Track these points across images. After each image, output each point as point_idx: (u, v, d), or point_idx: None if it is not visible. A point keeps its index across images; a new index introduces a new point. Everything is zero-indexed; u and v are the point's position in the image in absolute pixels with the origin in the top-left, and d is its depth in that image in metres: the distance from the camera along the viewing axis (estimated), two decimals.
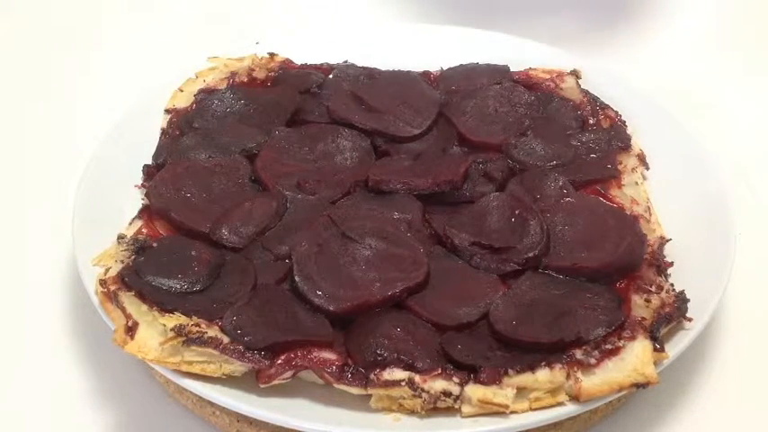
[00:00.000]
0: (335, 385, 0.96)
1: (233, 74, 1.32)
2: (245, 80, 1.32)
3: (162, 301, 1.00)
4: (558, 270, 1.06)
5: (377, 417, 0.96)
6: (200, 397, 0.99)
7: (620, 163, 1.21)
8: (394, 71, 1.33)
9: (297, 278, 1.03)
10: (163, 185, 1.14)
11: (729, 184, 1.17)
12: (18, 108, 1.47)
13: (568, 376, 0.96)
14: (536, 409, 0.95)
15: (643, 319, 1.00)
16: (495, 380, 0.95)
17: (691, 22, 1.65)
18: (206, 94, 1.29)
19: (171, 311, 0.99)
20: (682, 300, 1.02)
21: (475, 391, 0.95)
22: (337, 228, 1.08)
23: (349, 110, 1.25)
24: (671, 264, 1.09)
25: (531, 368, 0.95)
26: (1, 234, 1.26)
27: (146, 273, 1.03)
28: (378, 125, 1.24)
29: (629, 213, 1.13)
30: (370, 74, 1.33)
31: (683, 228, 1.13)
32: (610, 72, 1.34)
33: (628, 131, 1.25)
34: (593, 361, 0.96)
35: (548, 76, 1.33)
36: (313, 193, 1.15)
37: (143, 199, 1.16)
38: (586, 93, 1.30)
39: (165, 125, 1.25)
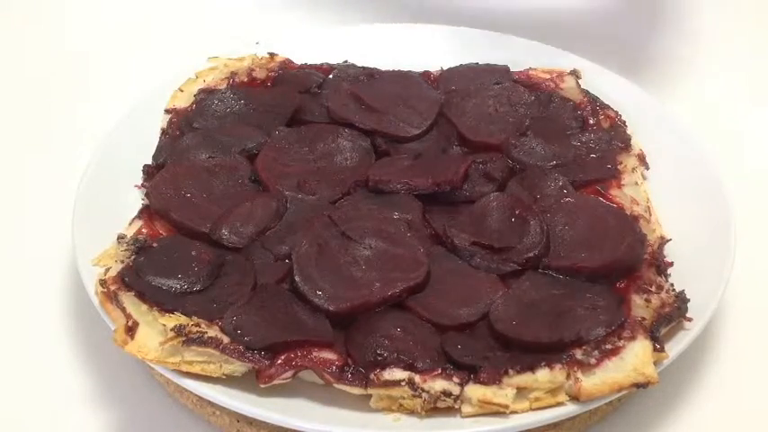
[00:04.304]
0: (335, 385, 0.96)
1: (233, 74, 1.32)
2: (245, 80, 1.32)
3: (162, 301, 1.00)
4: (558, 270, 1.06)
5: (377, 417, 0.96)
6: (200, 397, 0.99)
7: (620, 163, 1.21)
8: (394, 71, 1.33)
9: (297, 278, 1.03)
10: (163, 185, 1.14)
11: (729, 184, 1.16)
12: (18, 108, 1.46)
13: (568, 376, 0.96)
14: (536, 409, 0.95)
15: (643, 319, 1.00)
16: (495, 380, 0.95)
17: (690, 22, 1.64)
18: (206, 94, 1.29)
19: (171, 311, 0.99)
20: (682, 300, 1.02)
21: (475, 391, 0.95)
22: (337, 228, 1.08)
23: (349, 110, 1.25)
24: (671, 264, 1.09)
25: (531, 368, 0.95)
26: (1, 234, 1.26)
27: (146, 273, 1.03)
28: (378, 125, 1.24)
29: (629, 213, 1.13)
30: (370, 74, 1.32)
31: (683, 228, 1.13)
32: (610, 72, 1.34)
33: (628, 131, 1.25)
34: (593, 361, 0.96)
35: (548, 76, 1.33)
36: (313, 193, 1.15)
37: (143, 199, 1.16)
38: (586, 93, 1.30)
39: (165, 125, 1.25)
